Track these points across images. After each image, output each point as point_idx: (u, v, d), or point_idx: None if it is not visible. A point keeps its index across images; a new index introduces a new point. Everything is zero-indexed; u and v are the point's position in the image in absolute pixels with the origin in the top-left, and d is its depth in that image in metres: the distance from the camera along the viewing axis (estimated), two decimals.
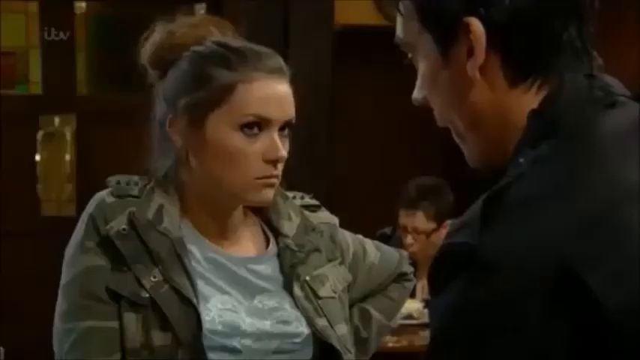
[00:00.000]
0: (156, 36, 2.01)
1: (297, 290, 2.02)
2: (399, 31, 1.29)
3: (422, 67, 1.27)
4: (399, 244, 4.45)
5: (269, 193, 1.96)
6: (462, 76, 1.22)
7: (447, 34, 1.22)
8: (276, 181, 1.96)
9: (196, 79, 1.95)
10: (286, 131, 1.98)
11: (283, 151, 1.95)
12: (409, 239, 4.38)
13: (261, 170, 1.94)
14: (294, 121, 1.98)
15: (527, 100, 1.22)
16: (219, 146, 1.94)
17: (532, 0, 1.20)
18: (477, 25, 1.20)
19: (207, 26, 2.02)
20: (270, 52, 2.00)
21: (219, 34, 2.02)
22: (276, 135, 1.94)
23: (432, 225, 4.34)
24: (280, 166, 1.96)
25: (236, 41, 2.01)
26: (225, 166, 1.94)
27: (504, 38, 1.20)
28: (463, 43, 1.21)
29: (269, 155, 1.94)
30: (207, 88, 1.94)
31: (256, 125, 1.94)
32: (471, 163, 1.30)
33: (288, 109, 1.97)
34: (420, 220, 4.36)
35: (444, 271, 1.13)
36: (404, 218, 4.40)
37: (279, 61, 1.99)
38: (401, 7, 1.27)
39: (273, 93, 1.95)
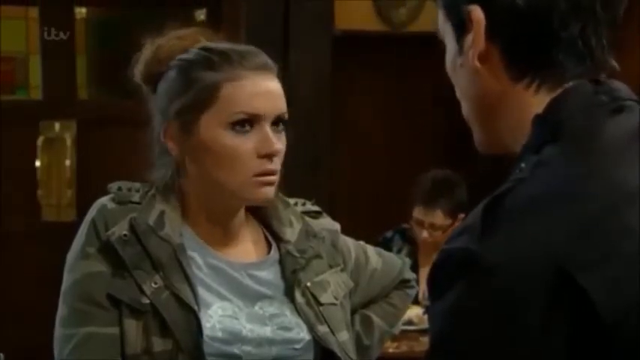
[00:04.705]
0: (145, 52, 2.03)
1: (298, 296, 2.01)
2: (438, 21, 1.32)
3: (447, 55, 1.30)
4: (404, 243, 4.46)
5: (268, 191, 1.96)
6: (470, 65, 1.24)
7: (459, 22, 1.25)
8: (274, 178, 1.96)
9: (184, 85, 1.96)
10: (281, 126, 1.98)
11: (277, 145, 1.95)
12: (425, 234, 4.37)
13: (257, 166, 1.94)
14: (286, 116, 1.98)
15: (527, 98, 1.22)
16: (213, 147, 1.94)
17: None
18: (477, 12, 1.22)
19: (194, 37, 2.03)
20: (255, 50, 2.00)
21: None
22: (268, 129, 1.94)
23: (449, 221, 4.34)
24: (277, 160, 1.96)
25: (220, 44, 2.02)
26: (221, 167, 1.94)
27: (503, 28, 1.21)
28: (470, 32, 1.23)
29: (262, 150, 1.94)
30: (195, 91, 1.94)
31: (247, 122, 1.94)
32: (478, 148, 1.31)
33: (277, 104, 1.97)
34: (438, 217, 4.36)
35: (444, 276, 1.13)
36: (421, 214, 4.38)
37: (264, 58, 1.99)
38: None
39: (260, 89, 1.95)
